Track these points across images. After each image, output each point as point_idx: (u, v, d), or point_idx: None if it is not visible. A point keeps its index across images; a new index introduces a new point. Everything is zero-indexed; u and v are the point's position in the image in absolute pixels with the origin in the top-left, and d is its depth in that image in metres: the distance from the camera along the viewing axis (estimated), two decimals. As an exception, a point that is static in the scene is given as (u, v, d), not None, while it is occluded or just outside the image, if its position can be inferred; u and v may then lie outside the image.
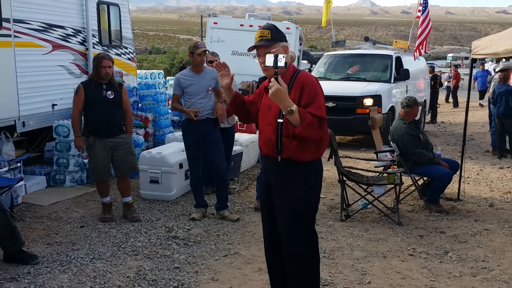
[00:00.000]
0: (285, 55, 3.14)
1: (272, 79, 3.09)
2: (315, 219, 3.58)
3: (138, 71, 10.70)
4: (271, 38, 3.33)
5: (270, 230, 3.62)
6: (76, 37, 8.24)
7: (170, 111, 10.15)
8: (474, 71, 21.49)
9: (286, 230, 3.45)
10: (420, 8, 13.10)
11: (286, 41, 3.44)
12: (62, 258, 4.87)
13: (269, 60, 3.10)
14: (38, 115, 7.28)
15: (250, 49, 3.41)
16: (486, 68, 22.45)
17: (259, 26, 3.48)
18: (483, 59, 18.87)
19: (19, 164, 6.36)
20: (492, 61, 28.32)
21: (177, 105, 6.20)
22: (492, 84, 12.24)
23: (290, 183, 3.38)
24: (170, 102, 10.46)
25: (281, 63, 3.07)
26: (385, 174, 6.49)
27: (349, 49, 15.81)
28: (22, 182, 6.34)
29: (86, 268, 4.67)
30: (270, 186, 3.51)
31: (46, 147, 7.89)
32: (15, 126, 6.88)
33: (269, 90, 3.09)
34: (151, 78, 10.41)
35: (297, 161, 3.34)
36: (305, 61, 23.57)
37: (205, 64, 6.15)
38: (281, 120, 3.28)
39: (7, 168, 6.17)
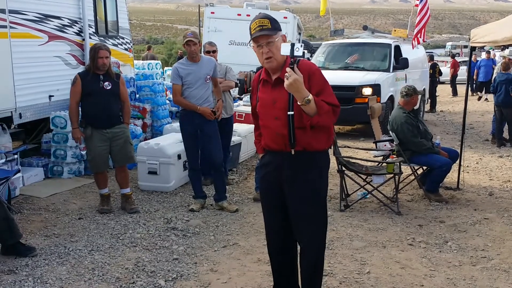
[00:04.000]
0: (302, 44, 3.08)
1: (288, 69, 3.01)
2: None
3: (135, 61, 10.62)
4: (272, 27, 3.23)
5: (278, 228, 3.50)
6: (73, 27, 8.17)
7: (168, 101, 10.10)
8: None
9: (302, 223, 3.36)
10: (419, -4, 13.00)
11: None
12: (60, 250, 4.86)
13: (285, 49, 3.03)
14: (34, 106, 7.22)
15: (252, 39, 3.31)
16: (491, 57, 20.39)
17: (257, 16, 3.41)
18: (483, 47, 18.54)
19: (16, 156, 6.33)
20: (491, 49, 27.82)
21: (183, 100, 5.97)
22: (495, 71, 12.20)
23: (306, 175, 3.31)
24: (168, 93, 10.50)
25: (298, 52, 3.01)
26: (384, 164, 6.47)
27: (347, 38, 15.73)
28: (19, 174, 6.30)
29: (84, 260, 4.66)
30: (279, 182, 3.38)
31: (43, 139, 7.85)
32: (12, 118, 6.82)
33: (285, 80, 3.01)
34: (148, 69, 10.33)
35: (311, 151, 3.29)
36: (305, 51, 23.52)
37: (202, 54, 6.11)
38: (292, 113, 3.20)
39: (4, 160, 6.13)
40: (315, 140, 3.27)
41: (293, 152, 3.27)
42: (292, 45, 3.00)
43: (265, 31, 3.20)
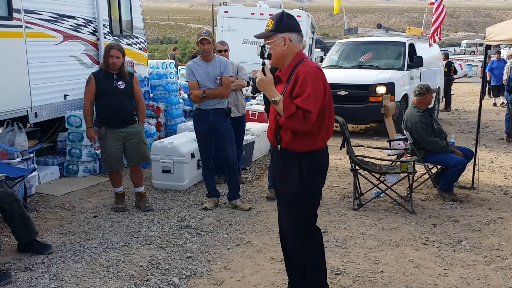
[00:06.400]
0: (269, 47, 3.32)
1: (259, 69, 3.26)
2: (316, 213, 3.56)
3: (149, 61, 10.68)
4: (271, 29, 3.38)
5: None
6: (87, 27, 8.23)
7: (181, 100, 10.13)
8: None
9: (282, 220, 3.56)
10: (434, -6, 12.90)
11: (291, 31, 3.36)
12: (75, 248, 4.91)
13: (258, 50, 3.35)
14: (50, 105, 7.30)
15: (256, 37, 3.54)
16: (502, 57, 18.79)
17: (270, 15, 3.53)
18: (498, 45, 18.08)
19: (32, 155, 6.40)
20: (507, 47, 27.33)
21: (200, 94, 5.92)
22: (505, 71, 12.08)
23: (286, 172, 3.43)
24: (182, 92, 10.54)
25: (265, 54, 3.31)
26: (398, 163, 6.44)
27: (361, 36, 15.67)
28: (35, 173, 6.38)
29: (99, 257, 4.70)
30: (275, 174, 3.63)
31: (58, 138, 7.92)
32: (28, 117, 6.91)
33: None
34: (162, 68, 10.37)
35: (292, 151, 3.38)
36: (318, 49, 23.46)
37: (215, 54, 6.12)
38: None
39: (20, 158, 6.21)
40: (293, 140, 3.35)
41: (279, 148, 3.44)
42: (262, 47, 3.31)
43: (263, 33, 3.42)
